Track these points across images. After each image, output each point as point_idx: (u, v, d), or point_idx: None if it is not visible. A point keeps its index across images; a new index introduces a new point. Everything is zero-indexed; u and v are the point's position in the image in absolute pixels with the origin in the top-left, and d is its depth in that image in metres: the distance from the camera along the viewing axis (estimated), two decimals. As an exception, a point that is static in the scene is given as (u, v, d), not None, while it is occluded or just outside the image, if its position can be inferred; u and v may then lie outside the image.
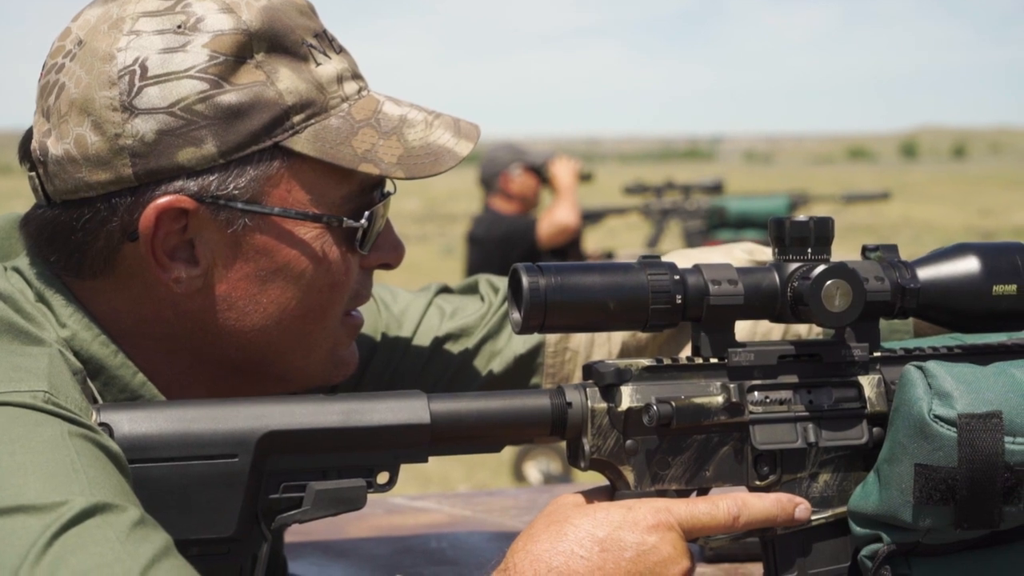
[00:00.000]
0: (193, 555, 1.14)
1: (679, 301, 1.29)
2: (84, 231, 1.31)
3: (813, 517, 1.32)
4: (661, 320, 1.30)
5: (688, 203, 7.42)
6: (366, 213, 1.37)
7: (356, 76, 1.39)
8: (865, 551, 1.30)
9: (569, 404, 1.30)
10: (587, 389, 1.30)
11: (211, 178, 1.30)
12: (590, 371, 1.32)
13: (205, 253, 1.32)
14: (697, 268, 1.31)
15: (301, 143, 1.32)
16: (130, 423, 1.22)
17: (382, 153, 1.34)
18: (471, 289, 1.72)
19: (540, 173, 6.39)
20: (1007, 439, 1.23)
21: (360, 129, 1.35)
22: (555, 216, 6.26)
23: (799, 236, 1.32)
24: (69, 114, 1.30)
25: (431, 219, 27.96)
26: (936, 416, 1.23)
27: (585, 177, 6.58)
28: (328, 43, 1.38)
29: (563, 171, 6.33)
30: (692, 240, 7.23)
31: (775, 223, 1.34)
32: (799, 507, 1.31)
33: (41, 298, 1.33)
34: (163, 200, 1.29)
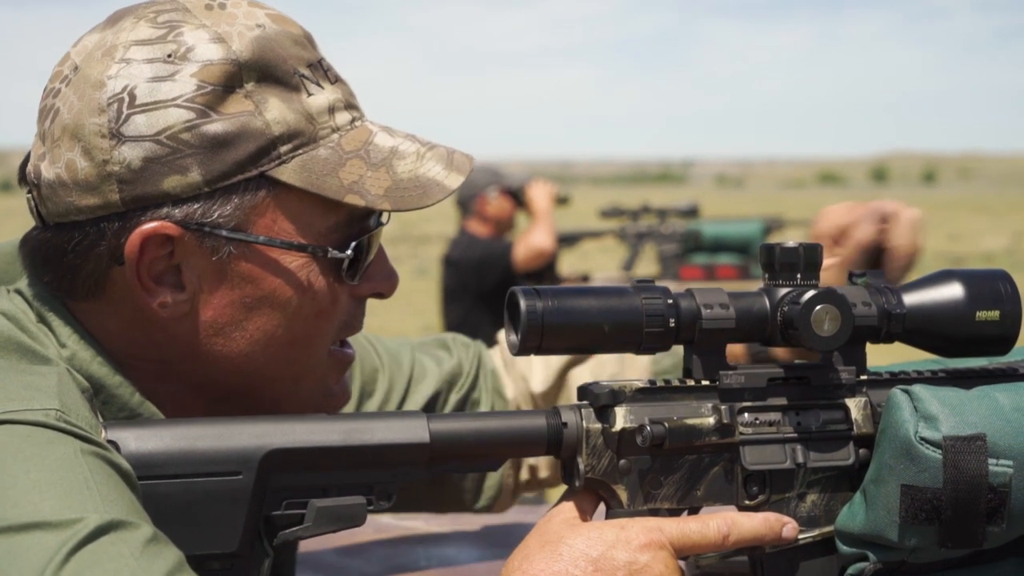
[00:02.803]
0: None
1: (672, 324, 1.32)
2: (75, 254, 1.32)
3: (800, 536, 1.35)
4: (654, 343, 1.32)
5: (663, 227, 7.43)
6: (352, 244, 1.38)
7: (350, 106, 1.40)
8: (851, 569, 1.32)
9: (565, 424, 1.32)
10: (582, 410, 1.33)
11: (196, 206, 1.30)
12: (585, 392, 1.34)
13: (191, 279, 1.33)
14: (689, 292, 1.34)
15: (287, 173, 1.32)
16: (137, 441, 1.24)
17: (369, 185, 1.35)
18: (442, 345, 1.80)
19: (517, 196, 6.39)
20: (991, 461, 1.25)
21: (348, 160, 1.35)
22: (531, 240, 6.26)
23: (789, 262, 1.35)
24: (61, 139, 1.31)
25: (404, 240, 27.95)
26: (922, 438, 1.26)
27: (562, 201, 6.59)
28: (323, 73, 1.38)
29: (540, 195, 6.34)
30: (667, 263, 7.25)
31: (765, 249, 1.37)
32: (787, 526, 1.33)
33: (41, 319, 1.34)
34: (148, 226, 1.30)
